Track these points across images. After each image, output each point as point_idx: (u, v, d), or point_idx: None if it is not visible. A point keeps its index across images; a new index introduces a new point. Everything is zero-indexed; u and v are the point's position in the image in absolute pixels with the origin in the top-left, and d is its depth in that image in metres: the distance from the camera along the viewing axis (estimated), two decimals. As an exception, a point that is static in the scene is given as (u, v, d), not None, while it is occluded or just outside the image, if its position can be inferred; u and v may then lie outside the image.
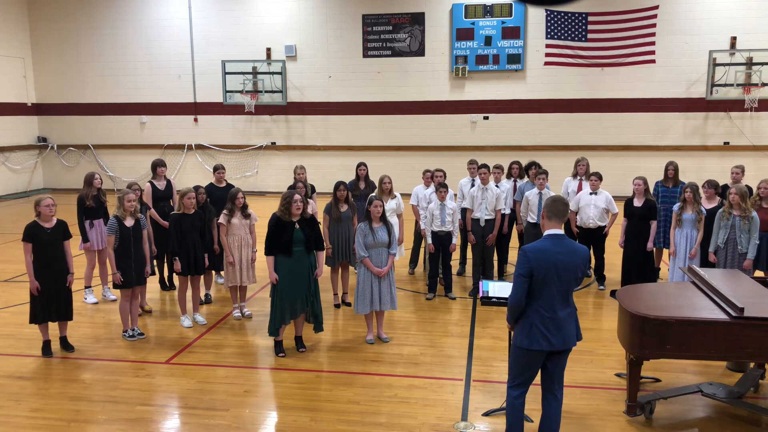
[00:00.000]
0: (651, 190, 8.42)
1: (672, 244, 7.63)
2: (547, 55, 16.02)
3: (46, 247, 6.32)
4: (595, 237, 8.50)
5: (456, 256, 8.92)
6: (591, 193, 8.44)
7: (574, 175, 9.20)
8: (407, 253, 9.69)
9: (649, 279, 7.88)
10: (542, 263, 4.15)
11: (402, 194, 8.78)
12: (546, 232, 4.30)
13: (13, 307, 8.14)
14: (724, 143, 16.05)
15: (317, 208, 8.40)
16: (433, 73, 17.01)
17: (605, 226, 8.47)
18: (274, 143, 18.12)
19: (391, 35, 17.04)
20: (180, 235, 7.09)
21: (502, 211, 8.54)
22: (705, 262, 7.43)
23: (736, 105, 15.64)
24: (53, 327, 6.67)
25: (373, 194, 7.74)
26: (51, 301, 6.41)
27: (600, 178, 8.48)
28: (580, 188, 8.91)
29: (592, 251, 8.72)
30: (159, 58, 18.10)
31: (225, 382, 5.88)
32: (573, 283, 4.25)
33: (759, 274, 7.39)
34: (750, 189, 7.71)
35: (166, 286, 8.80)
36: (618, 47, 15.73)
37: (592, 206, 8.39)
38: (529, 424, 4.90)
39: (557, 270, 4.15)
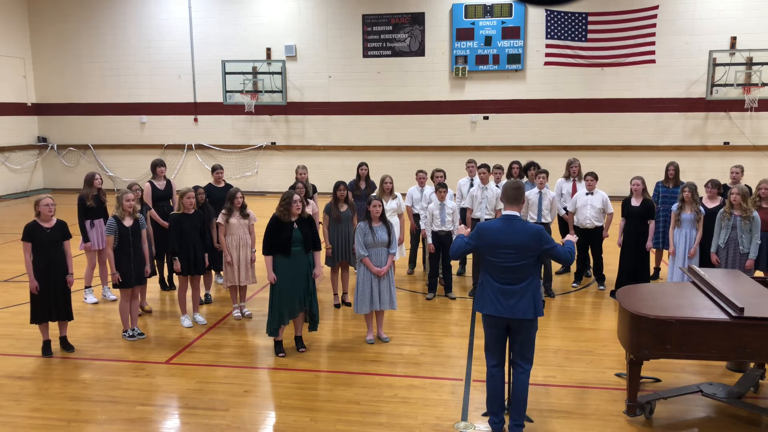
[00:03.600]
0: (651, 190, 8.42)
1: (671, 244, 7.63)
2: (547, 55, 16.02)
3: (45, 247, 6.33)
4: (593, 237, 8.50)
5: (456, 256, 8.90)
6: (587, 194, 8.44)
7: (567, 177, 9.20)
8: (407, 253, 9.68)
9: (644, 279, 7.87)
10: (487, 239, 4.66)
11: (402, 194, 8.78)
12: (503, 213, 4.80)
13: (13, 307, 8.14)
14: (724, 143, 16.05)
15: (317, 208, 8.40)
16: (433, 73, 17.01)
17: (602, 226, 8.47)
18: (274, 143, 18.12)
19: (391, 35, 17.04)
20: (180, 235, 7.09)
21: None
22: (704, 262, 7.43)
23: (736, 105, 15.63)
24: (53, 327, 6.67)
25: (374, 194, 7.74)
26: (51, 301, 6.41)
27: (596, 177, 8.48)
28: (574, 189, 8.92)
29: (590, 252, 8.73)
30: (159, 58, 18.10)
31: (225, 382, 5.88)
32: (526, 259, 4.57)
33: (759, 274, 7.39)
34: (750, 189, 7.70)
35: (166, 286, 8.80)
36: (618, 47, 15.73)
37: (589, 206, 8.39)
38: (529, 424, 4.91)
39: (502, 246, 4.59)
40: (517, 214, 4.70)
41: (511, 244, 4.56)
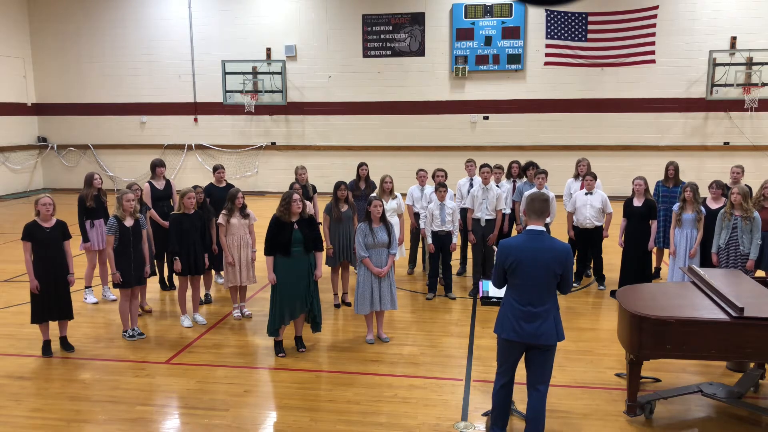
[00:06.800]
0: (651, 190, 8.42)
1: (672, 243, 7.63)
2: (547, 55, 16.02)
3: (45, 247, 6.33)
4: (593, 237, 8.50)
5: (456, 256, 8.92)
6: (586, 194, 8.45)
7: (576, 176, 9.19)
8: (407, 253, 9.68)
9: (647, 279, 7.88)
10: (514, 257, 4.38)
11: (402, 194, 8.78)
12: (527, 228, 4.52)
13: (13, 307, 8.14)
14: (724, 143, 16.05)
15: (317, 209, 8.39)
16: (433, 73, 17.01)
17: (602, 226, 8.47)
18: (274, 143, 18.12)
19: (391, 35, 17.04)
20: (180, 235, 7.09)
21: (503, 211, 8.54)
22: (705, 262, 7.43)
23: (736, 105, 15.63)
24: (53, 327, 6.67)
25: (374, 194, 7.73)
26: (51, 301, 6.41)
27: (595, 177, 8.49)
28: (582, 188, 8.90)
29: (590, 252, 8.73)
30: (159, 58, 18.10)
31: (225, 382, 5.88)
32: (550, 279, 4.36)
33: (760, 273, 7.39)
34: (750, 189, 7.71)
35: (166, 286, 8.80)
36: (618, 47, 15.73)
37: (588, 206, 8.40)
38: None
39: (529, 265, 4.34)
40: (542, 229, 4.43)
41: (535, 262, 4.32)
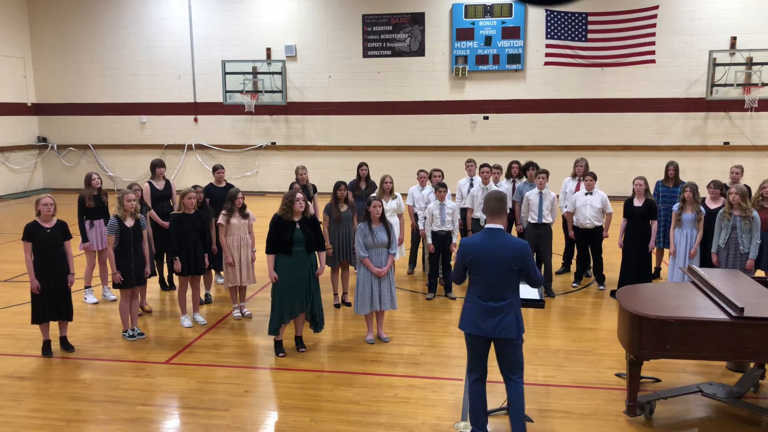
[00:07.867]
0: (651, 190, 8.42)
1: (672, 244, 7.63)
2: (547, 55, 16.02)
3: (45, 247, 6.33)
4: (593, 237, 8.50)
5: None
6: (586, 194, 8.45)
7: (573, 176, 9.20)
8: (407, 253, 9.68)
9: (647, 279, 7.88)
10: (472, 254, 4.52)
11: (402, 194, 8.78)
12: (485, 226, 4.63)
13: (13, 307, 8.14)
14: (724, 143, 16.05)
15: (317, 209, 8.38)
16: (433, 73, 17.01)
17: (602, 226, 8.48)
18: (274, 143, 18.12)
19: (391, 35, 17.04)
20: (180, 235, 7.09)
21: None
22: (705, 262, 7.43)
23: (736, 105, 15.62)
24: (53, 327, 6.67)
25: (374, 194, 7.73)
26: (51, 301, 6.41)
27: (594, 177, 8.50)
28: (578, 188, 8.92)
29: (590, 252, 8.73)
30: (159, 58, 18.10)
31: (225, 382, 5.88)
32: (508, 275, 4.46)
33: (760, 273, 7.39)
34: (749, 189, 7.71)
35: (166, 286, 8.79)
36: (618, 47, 15.73)
37: (588, 206, 8.40)
38: (530, 424, 4.90)
39: (486, 261, 4.46)
40: (500, 227, 4.53)
41: (493, 259, 4.43)
